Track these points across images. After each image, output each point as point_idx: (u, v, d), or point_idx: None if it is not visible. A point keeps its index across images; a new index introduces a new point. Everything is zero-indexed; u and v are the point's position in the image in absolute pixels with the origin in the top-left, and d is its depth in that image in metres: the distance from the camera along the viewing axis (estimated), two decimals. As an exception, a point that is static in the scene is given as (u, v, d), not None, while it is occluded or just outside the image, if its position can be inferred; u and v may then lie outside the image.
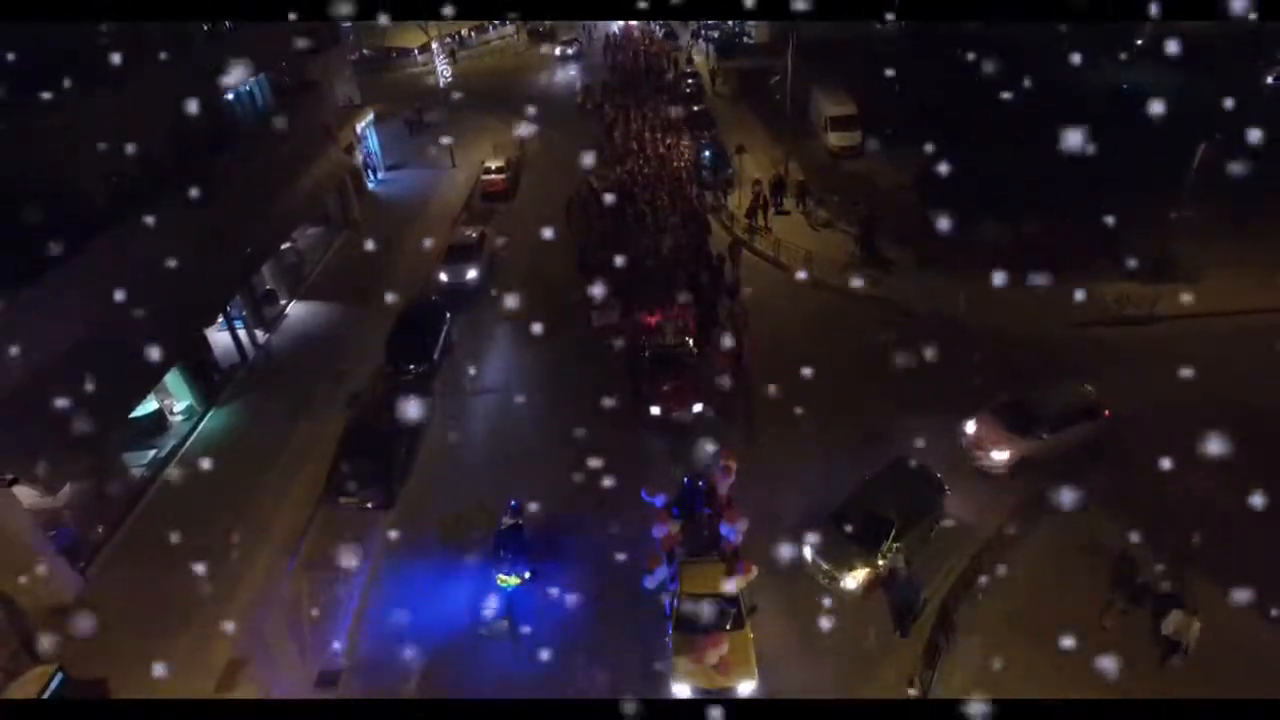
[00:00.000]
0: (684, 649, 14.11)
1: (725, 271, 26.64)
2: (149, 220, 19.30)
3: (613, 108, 42.11)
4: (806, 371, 20.05)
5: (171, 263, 19.65)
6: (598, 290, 23.31)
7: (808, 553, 15.90)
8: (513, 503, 16.44)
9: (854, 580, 15.10)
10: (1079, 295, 23.40)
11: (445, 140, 38.65)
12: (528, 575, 15.67)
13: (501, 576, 15.42)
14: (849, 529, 15.73)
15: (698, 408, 20.55)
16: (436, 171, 38.82)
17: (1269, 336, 20.54)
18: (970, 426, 18.57)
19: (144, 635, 15.62)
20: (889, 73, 38.81)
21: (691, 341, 22.42)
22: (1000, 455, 17.84)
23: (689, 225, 29.42)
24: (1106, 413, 18.55)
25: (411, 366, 22.60)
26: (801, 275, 26.91)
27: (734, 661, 13.92)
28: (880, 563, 15.21)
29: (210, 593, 16.73)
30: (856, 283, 25.78)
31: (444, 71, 43.85)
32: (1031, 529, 16.75)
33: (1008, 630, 14.91)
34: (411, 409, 20.22)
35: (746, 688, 13.93)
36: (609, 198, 29.63)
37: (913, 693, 13.64)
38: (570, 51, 60.37)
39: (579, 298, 24.97)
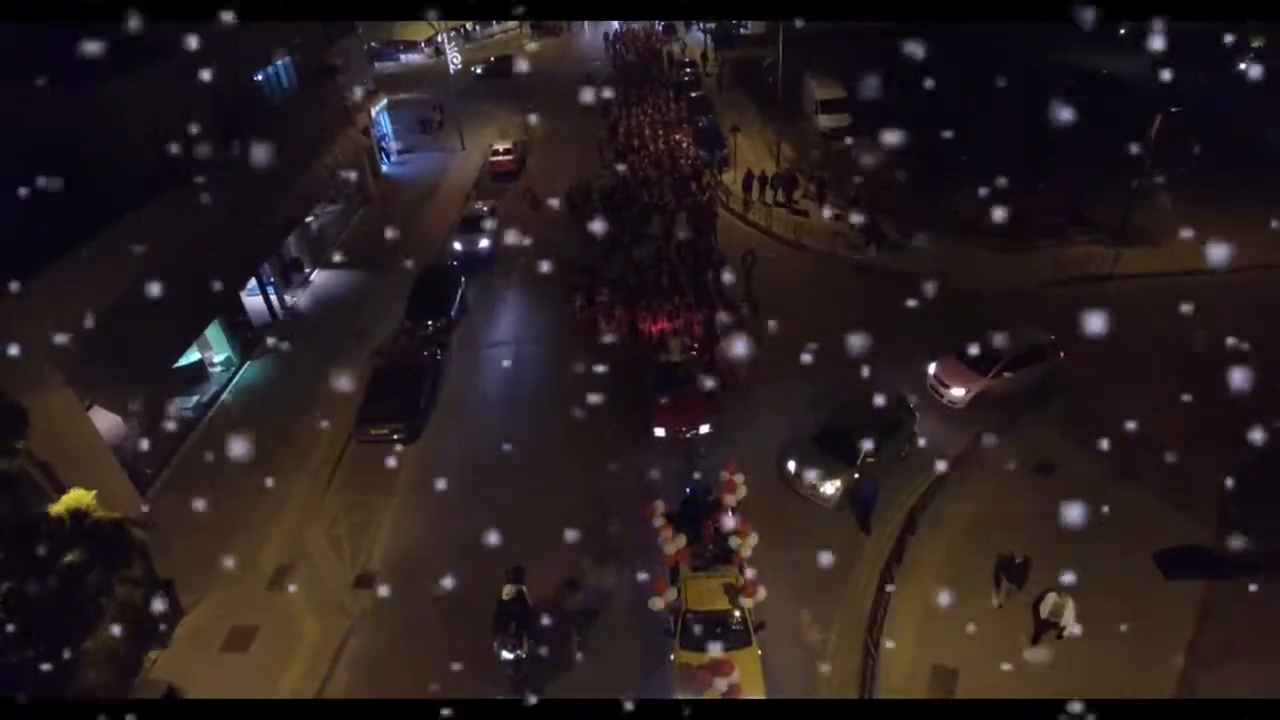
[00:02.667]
0: (690, 674, 13.40)
1: (742, 272, 25.99)
2: (196, 183, 21.35)
3: (616, 105, 42.86)
4: (797, 327, 22.05)
5: (212, 226, 21.72)
6: (589, 297, 23.76)
7: (791, 466, 17.94)
8: (516, 569, 14.82)
9: (832, 488, 17.14)
10: (1047, 258, 25.46)
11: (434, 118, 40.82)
12: (532, 647, 14.41)
13: (505, 655, 14.11)
14: (828, 446, 17.72)
15: (705, 428, 19.67)
16: (447, 154, 40.86)
17: (1211, 292, 22.58)
18: (933, 367, 20.57)
19: (200, 548, 17.63)
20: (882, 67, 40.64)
21: (698, 353, 21.66)
22: (959, 391, 19.88)
23: (696, 223, 28.87)
24: (1062, 353, 20.56)
25: (430, 322, 24.61)
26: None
27: (743, 683, 13.28)
28: (855, 475, 17.20)
29: (256, 514, 18.83)
30: (844, 250, 27.81)
31: (454, 59, 45.78)
32: (989, 451, 18.75)
33: (962, 534, 16.94)
34: (432, 355, 22.31)
35: None
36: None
37: (890, 589, 15.58)
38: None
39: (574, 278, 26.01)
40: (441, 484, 19.50)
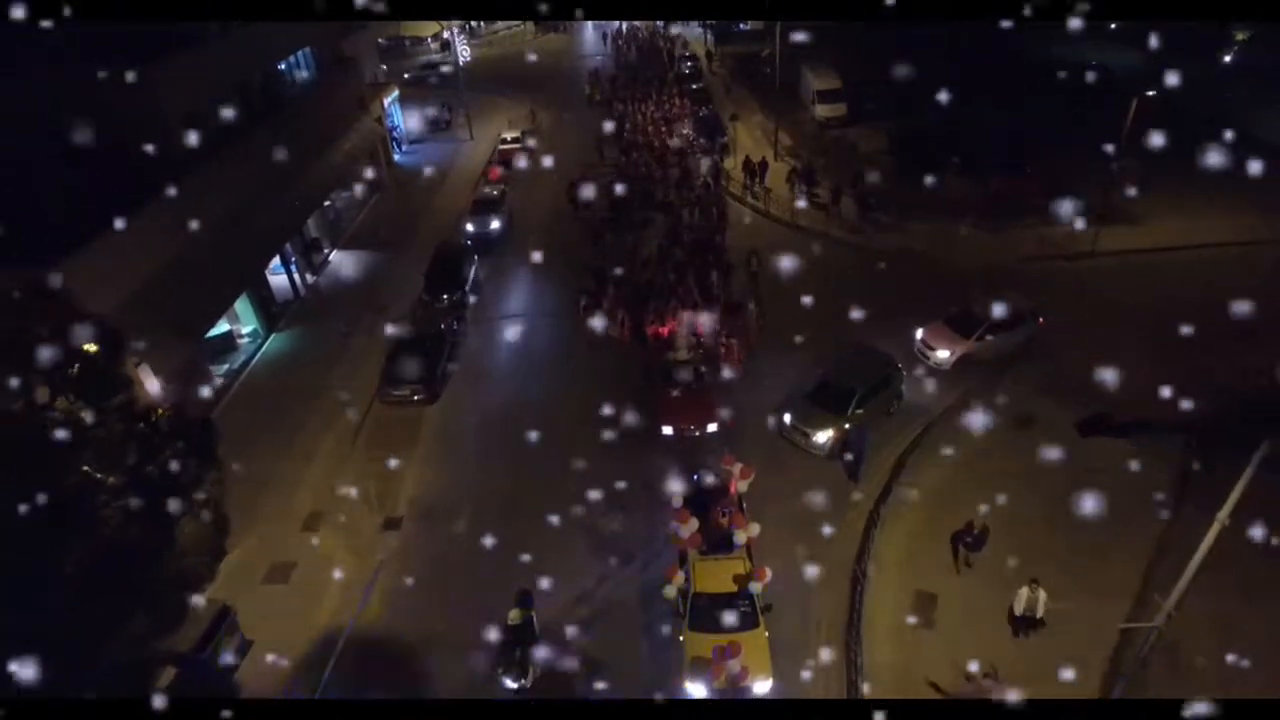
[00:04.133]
0: (699, 652, 13.70)
1: (748, 273, 26.26)
2: (226, 163, 22.72)
3: (620, 102, 43.61)
4: (798, 300, 23.43)
5: (240, 204, 23.12)
6: (594, 300, 24.00)
7: (787, 419, 19.35)
8: (524, 597, 14.39)
9: (824, 436, 18.54)
10: (1030, 236, 26.86)
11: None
12: (539, 674, 14.23)
13: (508, 684, 13.89)
14: (821, 401, 19.13)
15: (712, 427, 19.67)
16: (456, 143, 42.25)
17: (1181, 267, 24.03)
18: (920, 332, 21.96)
19: (236, 498, 18.74)
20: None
21: (704, 351, 21.93)
22: (944, 354, 21.27)
23: (704, 223, 29.27)
24: (1040, 319, 21.93)
25: (445, 296, 25.97)
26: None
27: (751, 664, 13.52)
28: (846, 426, 18.58)
29: (288, 468, 20.20)
30: (839, 230, 29.20)
31: (464, 52, 47.18)
32: (972, 406, 20.13)
33: (944, 480, 18.33)
34: (448, 325, 23.72)
35: (763, 688, 13.67)
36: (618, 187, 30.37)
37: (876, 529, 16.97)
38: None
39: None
40: (460, 440, 21.05)
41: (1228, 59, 46.62)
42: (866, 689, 14.01)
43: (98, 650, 9.69)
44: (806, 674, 14.38)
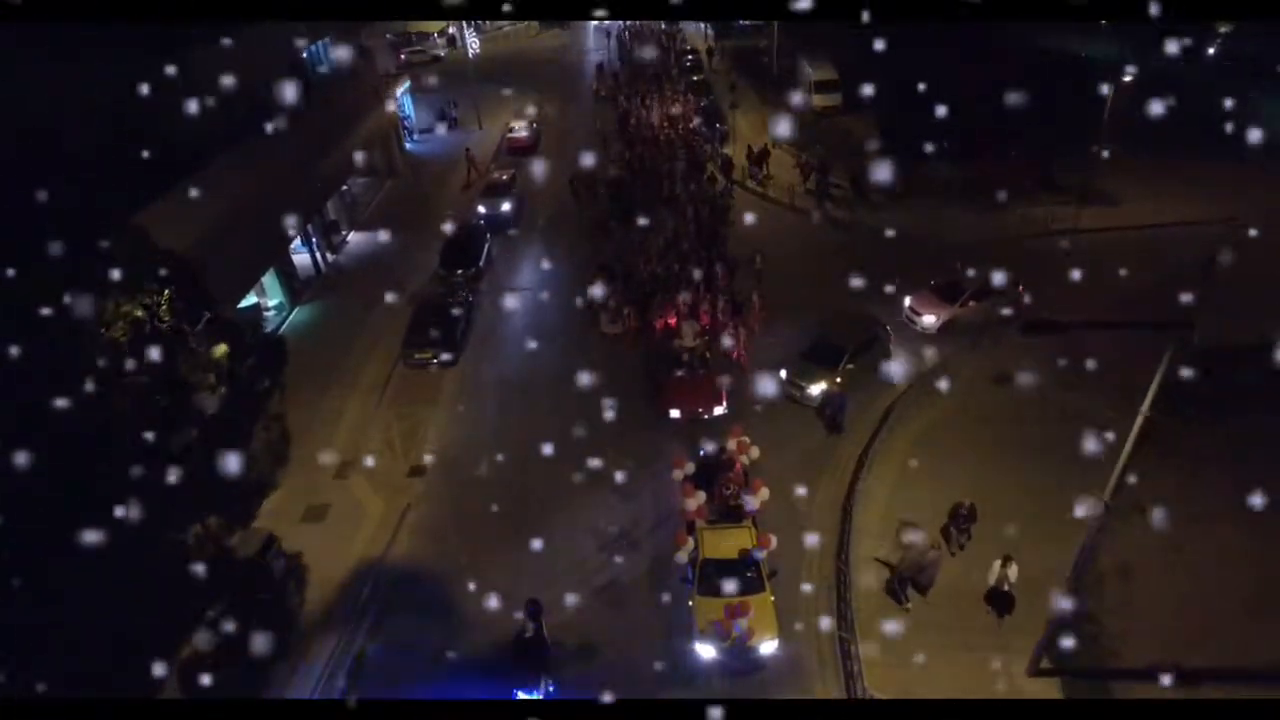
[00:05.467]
0: (709, 615, 14.47)
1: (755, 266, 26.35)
2: (254, 143, 24.23)
3: (625, 97, 44.59)
4: (795, 274, 24.96)
5: (269, 182, 24.61)
6: (601, 292, 24.19)
7: (784, 374, 20.96)
8: (532, 607, 14.48)
9: (817, 389, 20.15)
10: (1016, 216, 28.47)
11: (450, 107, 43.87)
12: (550, 689, 14.38)
13: (522, 695, 13.95)
14: (814, 357, 20.79)
15: (719, 410, 20.34)
16: (466, 133, 43.74)
17: (1155, 243, 25.57)
18: (909, 299, 23.49)
19: (270, 451, 20.49)
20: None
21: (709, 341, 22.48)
22: (930, 318, 22.81)
23: (710, 218, 29.79)
24: (1021, 288, 23.46)
25: (460, 270, 27.50)
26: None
27: (757, 626, 14.38)
28: (837, 379, 20.11)
29: (318, 423, 21.70)
30: (837, 212, 30.81)
31: (474, 44, 48.72)
32: (955, 365, 21.66)
33: (926, 428, 19.89)
34: (465, 295, 25.28)
35: (769, 648, 14.47)
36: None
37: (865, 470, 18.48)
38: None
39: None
40: (477, 397, 22.59)
41: (1211, 51, 48.15)
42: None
43: (181, 536, 11.26)
44: (807, 587, 16.08)
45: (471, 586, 16.47)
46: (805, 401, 20.34)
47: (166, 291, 11.24)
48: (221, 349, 12.68)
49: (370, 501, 19.14)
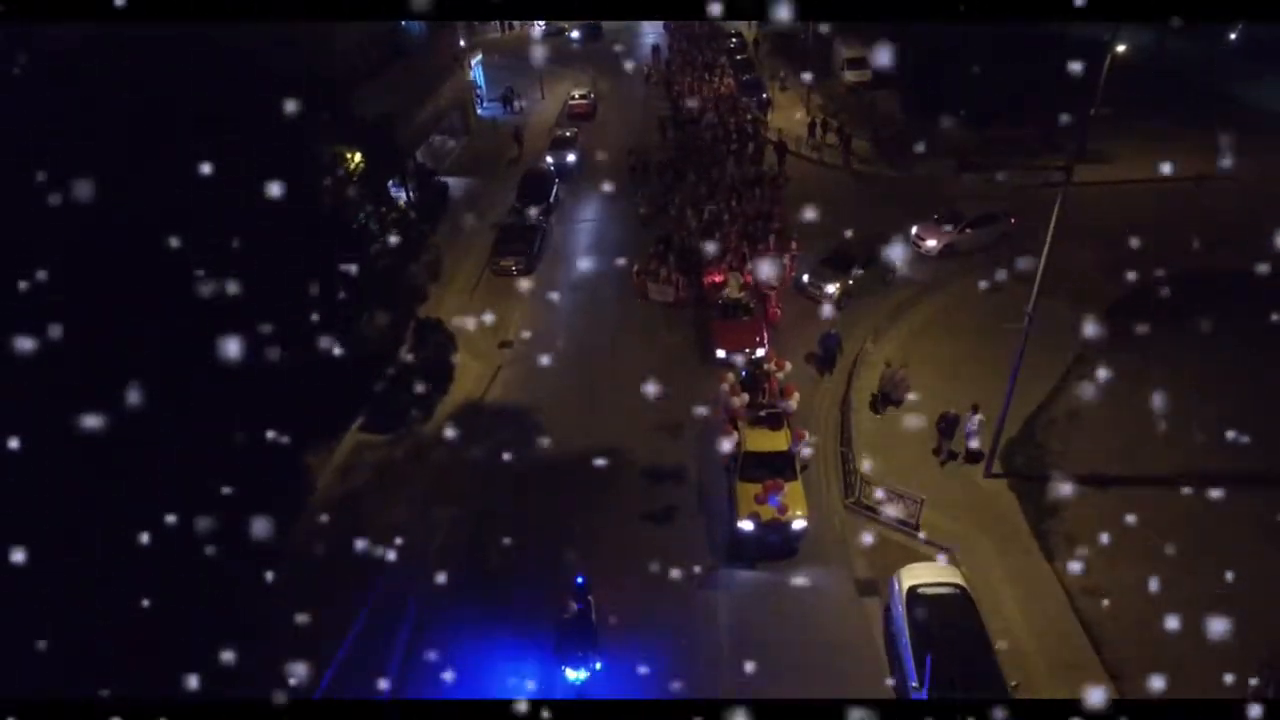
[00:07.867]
0: (749, 492, 16.72)
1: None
2: (374, 83, 29.41)
3: (676, 83, 47.44)
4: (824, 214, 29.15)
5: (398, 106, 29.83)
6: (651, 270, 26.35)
7: (805, 278, 25.61)
8: (579, 580, 14.77)
9: (832, 288, 24.71)
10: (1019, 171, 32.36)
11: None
12: (598, 666, 14.44)
13: (570, 671, 14.26)
14: (831, 264, 25.38)
15: (761, 351, 22.28)
16: (530, 102, 48.76)
17: (1141, 195, 29.41)
18: (915, 228, 27.79)
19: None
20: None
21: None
22: (932, 242, 27.09)
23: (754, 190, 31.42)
24: (1012, 219, 27.55)
25: (534, 207, 32.38)
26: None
27: (789, 504, 16.58)
28: (850, 282, 24.60)
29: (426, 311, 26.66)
30: (860, 165, 35.21)
31: (540, 24, 53.73)
32: (951, 277, 25.87)
33: (923, 323, 24.20)
34: (539, 222, 30.29)
35: (800, 525, 16.61)
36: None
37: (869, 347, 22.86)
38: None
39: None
40: (550, 296, 27.36)
41: (1232, 36, 51.00)
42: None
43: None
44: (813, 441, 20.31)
45: (545, 421, 21.38)
46: (821, 298, 24.69)
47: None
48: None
49: (470, 364, 24.06)
